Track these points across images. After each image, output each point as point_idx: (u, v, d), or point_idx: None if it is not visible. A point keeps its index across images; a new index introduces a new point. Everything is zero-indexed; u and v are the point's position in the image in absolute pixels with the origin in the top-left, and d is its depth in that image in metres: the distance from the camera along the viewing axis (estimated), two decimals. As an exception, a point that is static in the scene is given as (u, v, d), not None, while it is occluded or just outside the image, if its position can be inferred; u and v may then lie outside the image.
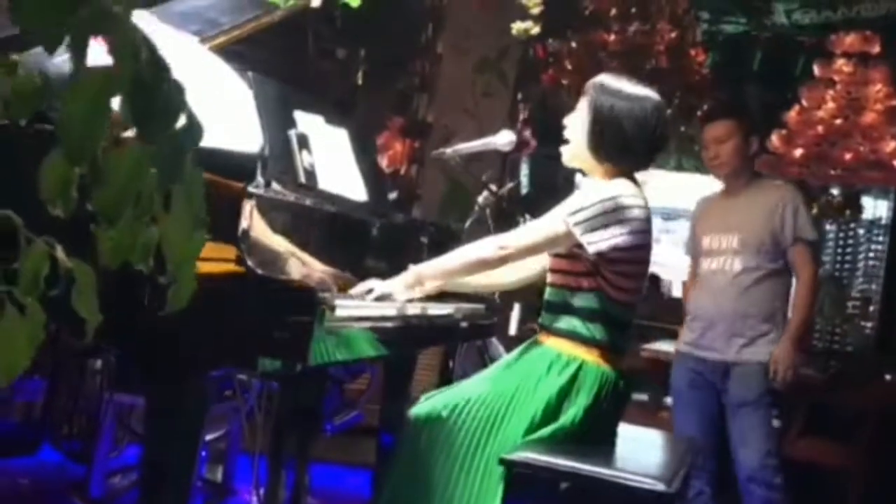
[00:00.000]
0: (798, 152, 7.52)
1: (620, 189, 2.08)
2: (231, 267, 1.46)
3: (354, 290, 2.04)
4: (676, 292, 11.04)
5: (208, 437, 2.78)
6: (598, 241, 2.02)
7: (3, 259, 0.53)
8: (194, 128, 0.58)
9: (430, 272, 2.14)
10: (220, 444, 2.89)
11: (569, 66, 8.63)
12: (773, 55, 9.49)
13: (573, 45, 8.64)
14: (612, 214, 2.03)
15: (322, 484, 2.99)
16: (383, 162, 5.74)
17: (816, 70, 5.84)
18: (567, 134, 2.21)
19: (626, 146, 2.13)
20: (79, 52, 0.52)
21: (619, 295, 2.08)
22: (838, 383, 3.94)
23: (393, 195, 5.59)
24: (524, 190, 5.84)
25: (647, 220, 2.13)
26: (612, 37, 8.71)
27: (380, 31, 5.36)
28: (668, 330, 6.62)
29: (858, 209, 6.31)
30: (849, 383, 3.96)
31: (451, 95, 5.38)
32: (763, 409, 3.04)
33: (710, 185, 12.85)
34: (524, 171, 6.25)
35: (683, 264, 13.02)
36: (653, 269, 11.28)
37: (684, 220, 13.44)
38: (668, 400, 4.24)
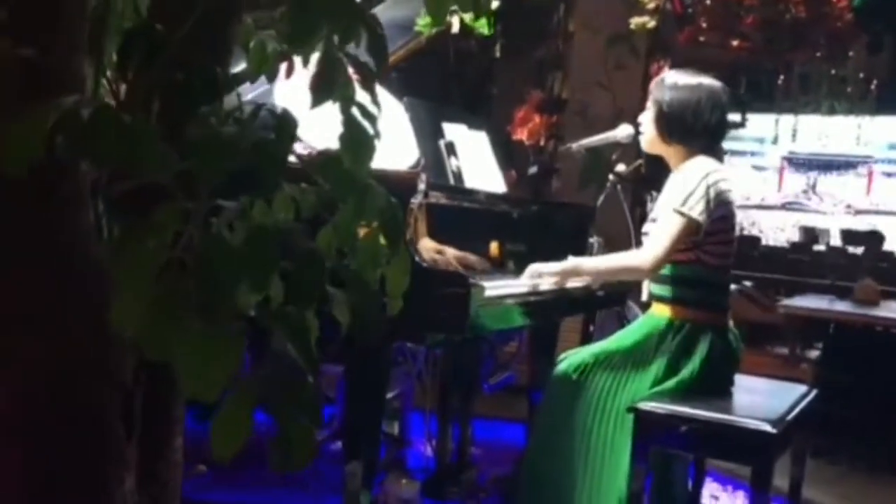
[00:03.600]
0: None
1: (706, 166, 2.41)
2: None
3: (525, 273, 2.44)
4: (834, 241, 10.74)
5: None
6: (709, 216, 2.35)
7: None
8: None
9: (586, 269, 2.51)
10: (395, 403, 3.36)
11: (704, 25, 8.55)
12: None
13: (708, 2, 8.54)
14: (710, 189, 2.36)
15: (483, 436, 3.40)
16: (523, 134, 6.06)
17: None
18: (641, 128, 2.59)
19: (688, 130, 2.47)
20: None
21: (714, 261, 2.40)
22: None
23: (533, 170, 5.92)
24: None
25: (731, 191, 2.45)
26: (749, -9, 8.53)
27: (515, 8, 5.66)
28: (817, 285, 6.59)
29: None
30: None
31: (585, 70, 5.59)
32: None
33: (865, 127, 12.30)
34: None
35: (840, 212, 12.48)
36: (807, 221, 10.97)
37: (843, 168, 12.84)
38: (810, 353, 4.41)
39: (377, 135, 0.85)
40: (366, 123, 0.83)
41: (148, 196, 0.72)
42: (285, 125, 0.77)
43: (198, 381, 0.69)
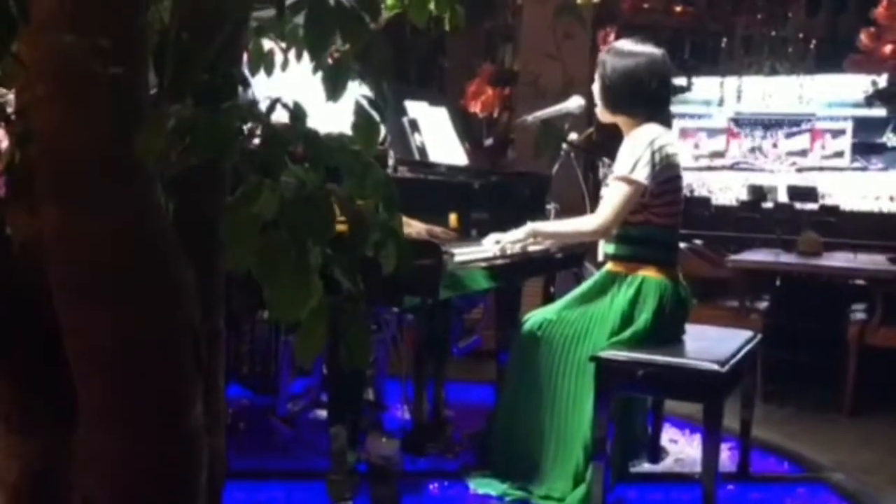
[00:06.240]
0: (888, 48, 7.46)
1: (652, 133, 2.58)
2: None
3: (485, 241, 2.61)
4: (781, 197, 11.06)
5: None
6: (656, 180, 2.54)
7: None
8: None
9: (543, 232, 2.70)
10: (369, 371, 3.51)
11: (647, -9, 8.69)
12: (861, -49, 9.30)
13: (650, -33, 8.68)
14: (656, 154, 2.54)
15: (454, 398, 3.58)
16: (476, 107, 6.20)
17: (903, -37, 5.75)
18: (595, 99, 2.74)
19: (628, 100, 2.62)
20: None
21: (662, 221, 2.60)
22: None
23: (488, 141, 6.07)
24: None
25: (677, 155, 2.63)
26: (689, -44, 8.74)
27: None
28: (765, 240, 6.87)
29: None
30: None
31: (534, 42, 5.73)
32: None
33: (806, 86, 12.57)
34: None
35: (786, 170, 12.79)
36: (755, 179, 11.28)
37: (787, 126, 13.19)
38: (759, 304, 4.65)
39: (383, 121, 1.02)
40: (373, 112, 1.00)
41: (192, 176, 0.89)
42: (300, 116, 0.93)
43: (286, 306, 0.87)
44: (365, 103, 1.00)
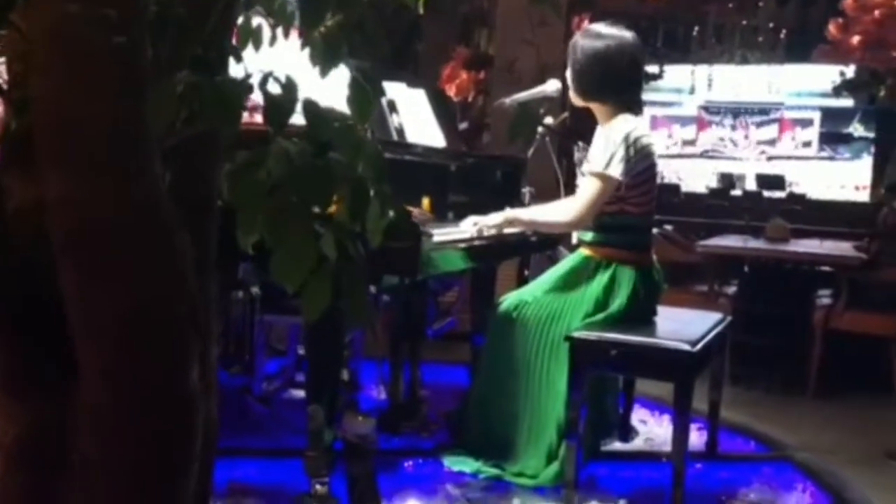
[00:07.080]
0: (856, 39, 7.55)
1: (627, 126, 2.60)
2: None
3: (463, 224, 2.64)
4: (750, 185, 11.20)
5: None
6: (630, 174, 2.57)
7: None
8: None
9: (520, 219, 2.72)
10: (346, 352, 3.53)
11: (624, -24, 8.71)
12: (828, -59, 9.39)
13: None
14: (630, 149, 2.56)
15: (429, 378, 3.61)
16: (451, 91, 6.20)
17: (871, -46, 5.82)
18: (568, 83, 2.75)
19: (597, 80, 2.62)
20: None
21: (636, 210, 2.64)
22: (878, 262, 4.34)
23: (463, 125, 6.08)
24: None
25: (652, 144, 2.65)
26: (662, -57, 8.78)
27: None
28: (736, 226, 6.97)
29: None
30: (887, 262, 4.34)
31: (510, 26, 5.76)
32: None
33: (775, 75, 12.74)
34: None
35: (754, 157, 12.97)
36: (725, 167, 11.41)
37: (757, 115, 13.34)
38: (727, 289, 4.73)
39: (376, 95, 1.04)
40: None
41: (188, 146, 0.91)
42: (291, 88, 0.95)
43: (293, 268, 0.90)
44: (360, 76, 1.03)
